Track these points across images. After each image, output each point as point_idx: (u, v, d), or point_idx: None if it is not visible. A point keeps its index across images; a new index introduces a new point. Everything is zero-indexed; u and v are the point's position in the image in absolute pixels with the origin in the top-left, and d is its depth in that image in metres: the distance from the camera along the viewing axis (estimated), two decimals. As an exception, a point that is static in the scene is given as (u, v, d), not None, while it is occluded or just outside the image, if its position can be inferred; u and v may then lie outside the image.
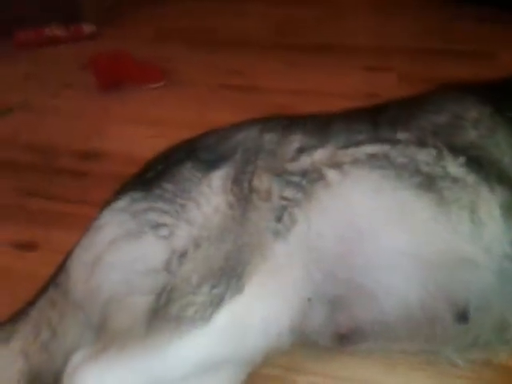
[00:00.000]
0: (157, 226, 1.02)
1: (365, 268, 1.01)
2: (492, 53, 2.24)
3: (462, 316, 1.01)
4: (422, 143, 1.08)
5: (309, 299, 1.01)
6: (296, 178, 1.06)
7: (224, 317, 0.94)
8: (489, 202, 1.01)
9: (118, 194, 1.11)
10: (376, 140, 1.09)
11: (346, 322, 1.04)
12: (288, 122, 1.17)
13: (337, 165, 1.07)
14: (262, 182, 1.05)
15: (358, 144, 1.09)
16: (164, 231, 1.01)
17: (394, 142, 1.08)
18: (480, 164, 1.05)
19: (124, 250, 1.01)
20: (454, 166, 1.04)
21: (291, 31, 2.72)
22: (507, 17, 2.59)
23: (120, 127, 1.94)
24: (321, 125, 1.15)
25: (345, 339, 1.05)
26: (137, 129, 2.08)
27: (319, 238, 1.02)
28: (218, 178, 1.06)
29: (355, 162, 1.07)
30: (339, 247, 1.02)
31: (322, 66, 2.35)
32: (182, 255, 0.98)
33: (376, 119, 1.15)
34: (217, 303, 0.94)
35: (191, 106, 2.05)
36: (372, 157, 1.07)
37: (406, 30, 2.73)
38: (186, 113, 2.08)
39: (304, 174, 1.06)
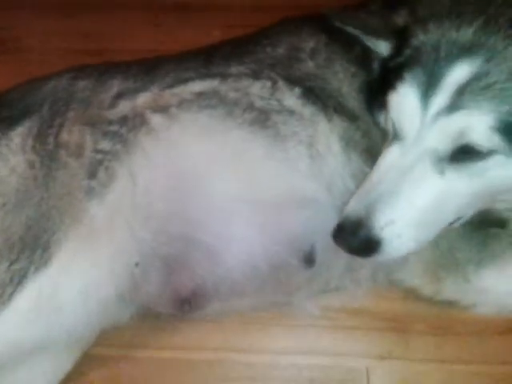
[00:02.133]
0: None
1: (200, 221, 0.90)
2: None
3: (309, 259, 0.93)
4: (256, 76, 0.97)
5: (136, 264, 0.88)
6: (114, 127, 0.92)
7: (27, 296, 0.81)
8: (327, 134, 0.94)
9: None
10: (205, 76, 0.97)
11: (186, 284, 0.93)
12: (106, 68, 1.01)
13: (162, 108, 0.94)
14: (72, 134, 0.90)
15: (185, 82, 0.97)
16: None
17: (224, 76, 0.97)
18: (317, 95, 0.96)
19: None
20: (290, 99, 0.95)
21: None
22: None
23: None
24: (147, 67, 1.01)
25: (186, 304, 0.94)
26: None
27: (146, 194, 0.89)
28: (18, 136, 0.90)
29: (182, 102, 0.94)
30: (170, 201, 0.90)
31: (185, 25, 2.21)
32: None
33: (209, 57, 1.03)
34: (18, 281, 0.81)
35: (35, 73, 1.84)
36: (200, 95, 0.95)
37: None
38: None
39: (124, 121, 0.92)
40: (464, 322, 1.00)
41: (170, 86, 0.97)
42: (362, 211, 0.78)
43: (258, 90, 0.96)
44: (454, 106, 0.73)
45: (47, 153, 0.89)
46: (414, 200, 0.77)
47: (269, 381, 1.02)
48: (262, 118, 0.94)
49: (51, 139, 0.90)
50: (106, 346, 0.98)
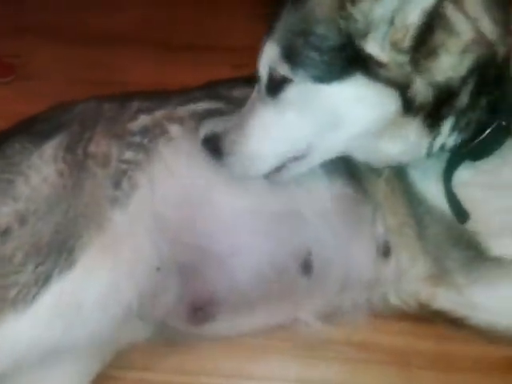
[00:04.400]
0: None
1: (210, 231, 0.98)
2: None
3: (307, 266, 1.01)
4: None
5: (158, 268, 0.94)
6: (137, 138, 1.01)
7: (51, 296, 0.85)
8: None
9: None
10: (212, 97, 1.09)
11: (200, 292, 0.98)
12: (128, 94, 1.12)
13: (178, 119, 1.04)
14: (100, 146, 0.98)
15: (194, 101, 1.08)
16: None
17: (228, 99, 1.07)
18: None
19: None
20: None
21: (160, 29, 2.64)
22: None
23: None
24: (161, 94, 1.13)
25: (201, 312, 0.99)
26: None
27: (163, 202, 0.96)
28: (50, 148, 0.97)
29: (194, 115, 1.05)
30: (183, 211, 0.97)
31: (189, 63, 2.30)
32: (5, 233, 0.88)
33: (214, 86, 1.15)
34: (43, 282, 0.85)
35: (47, 100, 1.89)
36: (209, 112, 1.05)
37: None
38: (42, 107, 1.90)
39: (145, 131, 1.02)
40: (464, 358, 1.05)
41: (182, 104, 1.08)
42: (223, 129, 0.95)
43: None
44: (266, 39, 0.88)
45: (76, 163, 0.95)
46: (246, 126, 0.92)
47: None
48: None
49: (80, 150, 0.97)
50: (120, 367, 1.01)
